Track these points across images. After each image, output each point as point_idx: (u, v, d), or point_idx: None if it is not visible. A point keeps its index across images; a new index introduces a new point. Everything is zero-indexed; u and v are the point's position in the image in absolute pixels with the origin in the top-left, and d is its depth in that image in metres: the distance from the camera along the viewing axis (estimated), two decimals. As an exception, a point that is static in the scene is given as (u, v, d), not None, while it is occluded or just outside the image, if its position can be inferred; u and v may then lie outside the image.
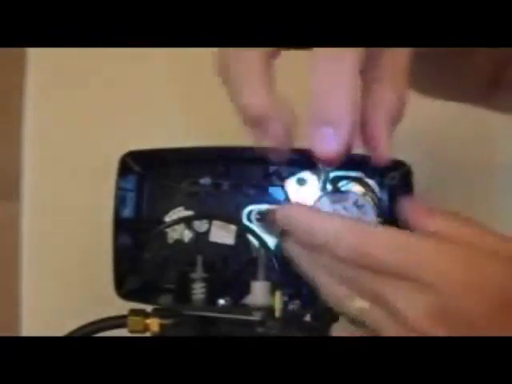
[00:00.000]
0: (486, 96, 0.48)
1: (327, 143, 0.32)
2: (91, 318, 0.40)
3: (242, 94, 0.33)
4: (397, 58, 0.34)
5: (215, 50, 0.34)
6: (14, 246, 0.69)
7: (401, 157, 0.46)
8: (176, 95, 0.65)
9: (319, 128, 0.32)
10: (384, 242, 0.34)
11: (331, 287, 0.36)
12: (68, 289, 0.68)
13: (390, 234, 0.35)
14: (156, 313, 0.40)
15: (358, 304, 0.35)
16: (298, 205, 0.37)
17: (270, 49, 0.33)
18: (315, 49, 0.32)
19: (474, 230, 0.35)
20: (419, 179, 0.46)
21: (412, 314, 0.33)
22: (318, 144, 0.32)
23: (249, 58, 0.33)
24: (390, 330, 0.34)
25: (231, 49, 0.33)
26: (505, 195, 0.63)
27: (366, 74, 0.34)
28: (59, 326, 0.38)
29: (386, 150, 0.34)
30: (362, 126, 0.34)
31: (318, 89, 0.32)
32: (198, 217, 0.49)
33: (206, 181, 0.49)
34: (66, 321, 0.39)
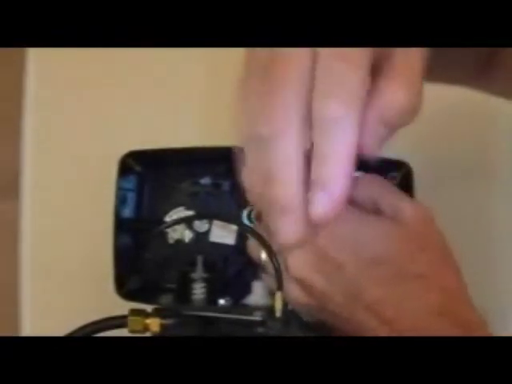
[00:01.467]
0: (478, 77, 0.48)
1: (320, 207, 0.33)
2: (91, 317, 0.40)
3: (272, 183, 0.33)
4: (411, 58, 0.34)
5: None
6: (13, 246, 0.69)
7: (401, 157, 0.46)
8: (176, 95, 0.65)
9: (315, 192, 0.33)
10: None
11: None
12: (68, 289, 0.68)
13: None
14: (156, 313, 0.40)
15: (263, 255, 0.41)
16: None
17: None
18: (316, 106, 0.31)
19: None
20: (419, 179, 0.46)
21: (293, 263, 0.38)
22: (313, 207, 0.33)
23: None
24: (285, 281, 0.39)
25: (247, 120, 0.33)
26: (505, 195, 0.63)
27: (378, 71, 0.34)
28: (59, 325, 0.38)
29: (372, 146, 0.34)
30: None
31: (318, 151, 0.32)
32: (198, 217, 0.49)
33: (206, 181, 0.49)
34: (66, 321, 0.39)
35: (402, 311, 0.37)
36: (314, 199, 0.33)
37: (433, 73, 0.48)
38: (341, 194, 0.32)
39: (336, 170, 0.32)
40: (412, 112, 0.33)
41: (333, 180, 0.32)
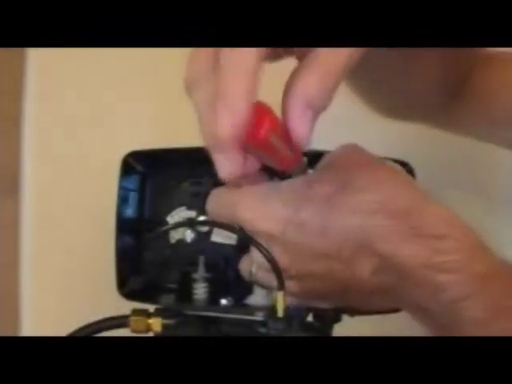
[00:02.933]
0: (444, 108, 0.48)
1: (224, 168, 0.35)
2: (93, 317, 0.40)
3: (205, 122, 0.36)
4: (334, 53, 0.35)
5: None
6: (14, 246, 0.69)
7: (401, 157, 0.46)
8: (176, 95, 0.65)
9: (213, 154, 0.35)
10: (215, 200, 0.42)
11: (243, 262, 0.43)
12: (69, 288, 0.68)
13: (218, 192, 0.42)
14: (158, 313, 0.40)
15: (253, 269, 0.42)
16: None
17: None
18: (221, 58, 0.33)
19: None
20: (420, 179, 0.46)
21: (279, 260, 0.38)
22: (218, 169, 0.36)
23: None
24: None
25: (196, 69, 0.35)
26: (504, 195, 0.63)
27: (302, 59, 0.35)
28: (60, 325, 0.38)
29: (304, 132, 0.35)
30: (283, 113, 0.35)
31: (204, 111, 0.34)
32: (199, 223, 0.49)
33: (207, 181, 0.49)
34: (66, 321, 0.39)
35: (340, 229, 0.38)
36: (217, 116, 0.34)
37: (397, 108, 0.48)
38: (242, 108, 0.33)
39: (225, 130, 0.33)
40: (326, 98, 0.35)
41: (233, 93, 0.33)
